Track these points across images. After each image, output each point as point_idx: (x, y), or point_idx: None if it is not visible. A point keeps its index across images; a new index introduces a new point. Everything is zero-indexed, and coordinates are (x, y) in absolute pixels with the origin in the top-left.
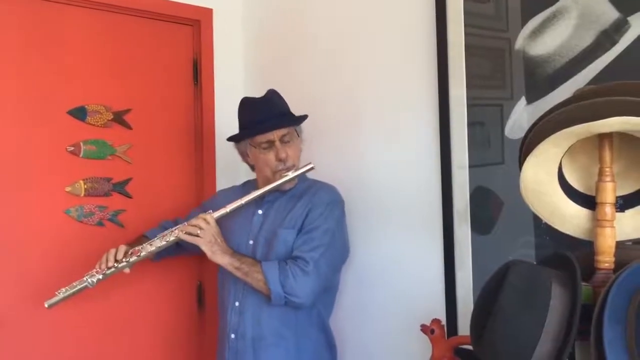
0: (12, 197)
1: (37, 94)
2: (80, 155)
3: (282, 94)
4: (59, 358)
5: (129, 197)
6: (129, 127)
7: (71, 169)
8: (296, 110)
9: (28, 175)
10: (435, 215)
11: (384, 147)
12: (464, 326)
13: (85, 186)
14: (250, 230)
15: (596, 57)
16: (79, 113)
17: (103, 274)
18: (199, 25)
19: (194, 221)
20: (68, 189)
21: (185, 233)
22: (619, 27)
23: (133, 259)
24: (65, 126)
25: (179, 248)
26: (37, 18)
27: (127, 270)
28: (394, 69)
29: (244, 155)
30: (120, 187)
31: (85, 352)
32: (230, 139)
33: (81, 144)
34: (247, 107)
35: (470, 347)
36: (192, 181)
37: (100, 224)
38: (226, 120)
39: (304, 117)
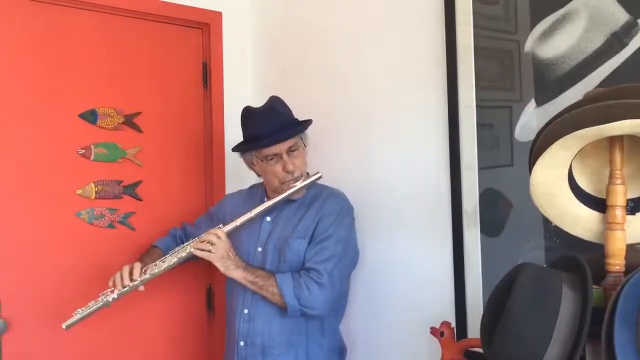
0: (23, 200)
1: (48, 97)
2: (91, 158)
3: (291, 97)
4: (67, 358)
5: (140, 199)
6: (140, 130)
7: (82, 172)
8: (305, 114)
9: (39, 177)
10: (445, 217)
11: (392, 149)
12: (473, 329)
13: (96, 189)
14: (258, 237)
15: (606, 60)
16: (90, 116)
17: (118, 293)
18: (208, 28)
19: (205, 237)
20: (79, 191)
21: (196, 249)
22: (629, 30)
23: (147, 277)
24: (76, 129)
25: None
26: (47, 22)
27: (141, 288)
28: (403, 70)
29: (251, 164)
30: (130, 190)
31: (95, 354)
32: (235, 150)
33: (92, 146)
34: (250, 118)
35: (480, 350)
36: (202, 183)
37: (111, 226)
38: (235, 123)
39: (309, 122)
